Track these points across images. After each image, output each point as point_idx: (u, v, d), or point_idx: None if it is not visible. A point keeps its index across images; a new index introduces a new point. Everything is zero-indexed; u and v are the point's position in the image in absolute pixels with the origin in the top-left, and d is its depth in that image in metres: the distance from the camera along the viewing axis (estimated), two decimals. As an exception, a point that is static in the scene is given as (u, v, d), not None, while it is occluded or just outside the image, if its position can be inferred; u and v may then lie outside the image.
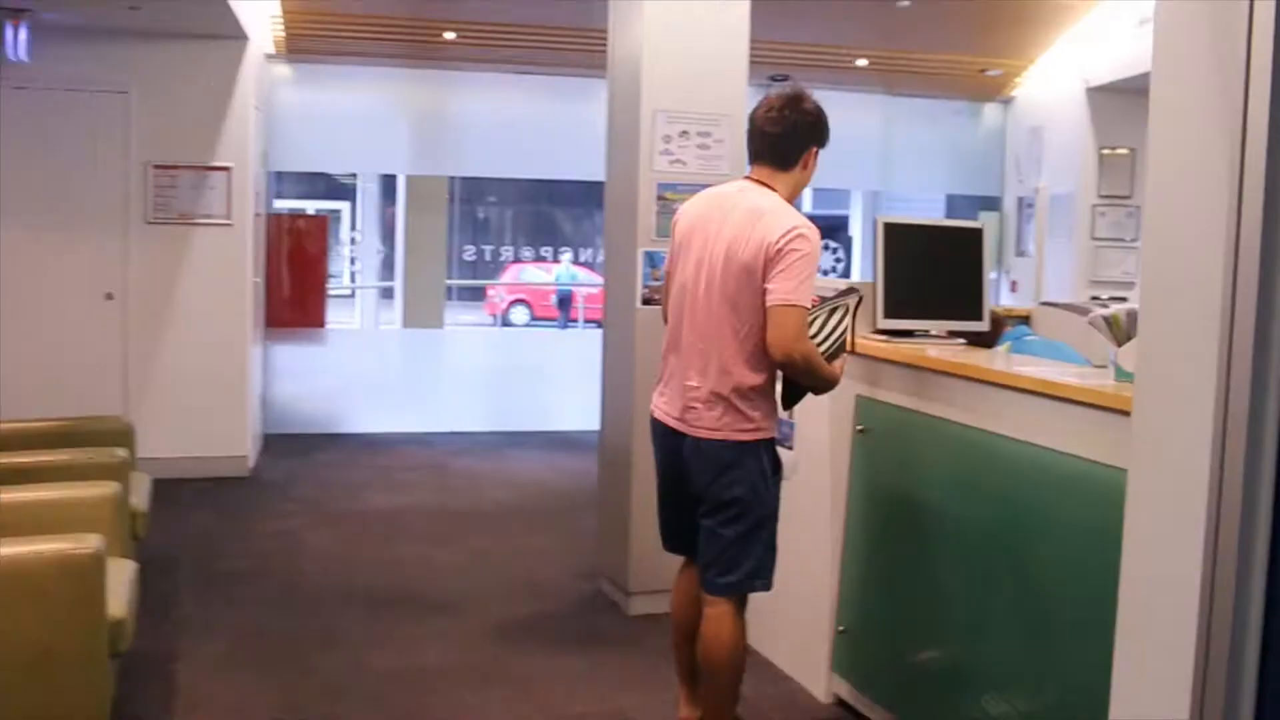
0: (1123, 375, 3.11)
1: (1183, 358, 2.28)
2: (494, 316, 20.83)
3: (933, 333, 4.16)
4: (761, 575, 3.67)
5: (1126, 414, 2.80)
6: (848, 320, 3.63)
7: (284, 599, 5.55)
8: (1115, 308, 3.18)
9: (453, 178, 10.75)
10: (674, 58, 5.20)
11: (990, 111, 10.52)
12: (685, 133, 5.20)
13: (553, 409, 10.16)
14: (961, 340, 4.15)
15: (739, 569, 3.63)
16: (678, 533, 3.87)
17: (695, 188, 5.12)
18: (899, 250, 4.04)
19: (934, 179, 11.39)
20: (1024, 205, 10.01)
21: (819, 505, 4.43)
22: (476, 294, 21.99)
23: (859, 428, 4.06)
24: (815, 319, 3.58)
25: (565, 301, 20.37)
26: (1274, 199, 1.99)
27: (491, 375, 10.28)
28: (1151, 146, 2.46)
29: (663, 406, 3.79)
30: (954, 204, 13.85)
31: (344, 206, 19.24)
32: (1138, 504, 2.48)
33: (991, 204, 10.77)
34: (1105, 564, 2.73)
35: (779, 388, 3.65)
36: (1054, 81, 9.50)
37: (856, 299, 3.66)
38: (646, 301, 5.22)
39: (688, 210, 3.80)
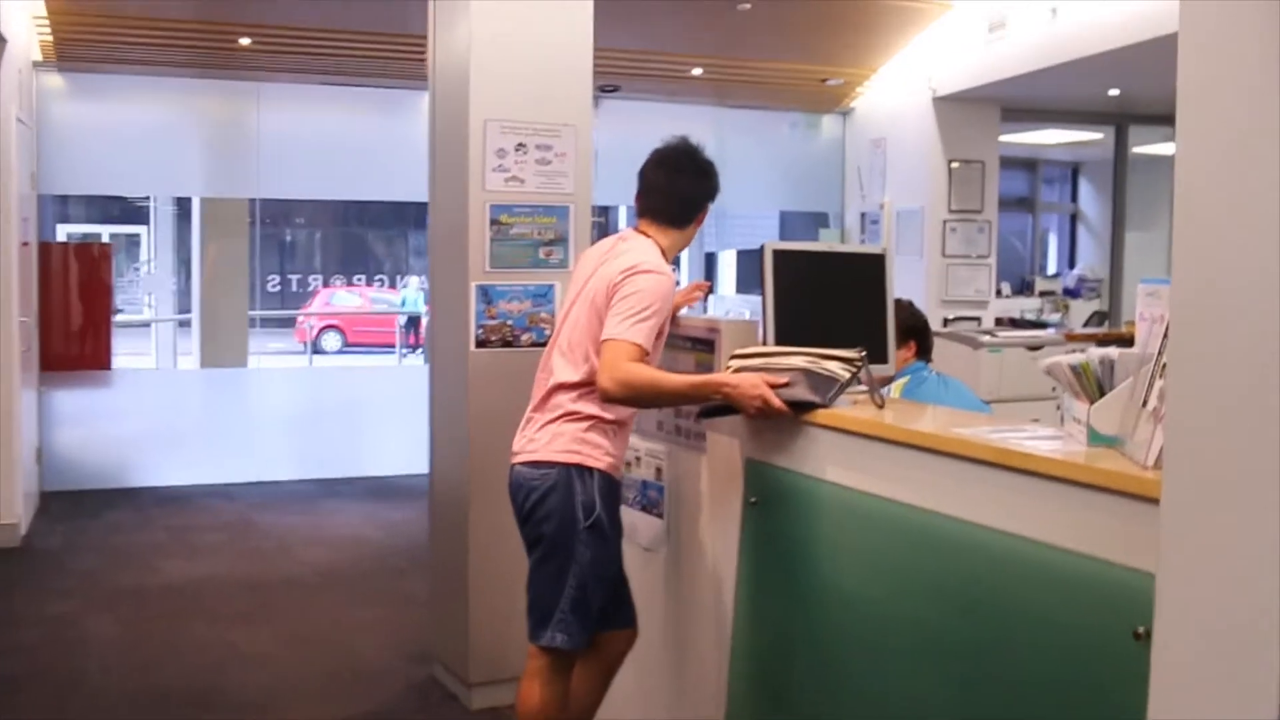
0: (1097, 438, 2.49)
1: (1245, 431, 1.68)
2: (304, 344, 19.70)
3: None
4: (563, 629, 3.38)
5: (1139, 499, 2.20)
6: (834, 367, 3.23)
7: (58, 708, 4.61)
8: (1088, 354, 2.56)
9: (253, 200, 9.74)
10: (506, 61, 4.46)
11: (829, 123, 10.05)
12: (522, 146, 4.46)
13: (371, 451, 9.29)
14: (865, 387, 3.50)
15: (550, 619, 3.38)
16: None
17: (536, 209, 4.45)
18: (789, 282, 3.37)
19: (767, 195, 10.87)
20: (867, 221, 9.55)
21: (699, 591, 3.74)
22: (288, 323, 20.80)
23: (750, 499, 3.37)
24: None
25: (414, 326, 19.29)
26: None
27: (302, 416, 9.36)
28: (1181, 131, 1.85)
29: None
30: (788, 221, 13.41)
31: (143, 231, 17.93)
32: (1170, 625, 1.86)
33: (827, 221, 10.32)
34: (1114, 700, 2.11)
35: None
36: (898, 91, 9.05)
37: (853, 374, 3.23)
38: (481, 343, 4.46)
39: (576, 264, 3.79)
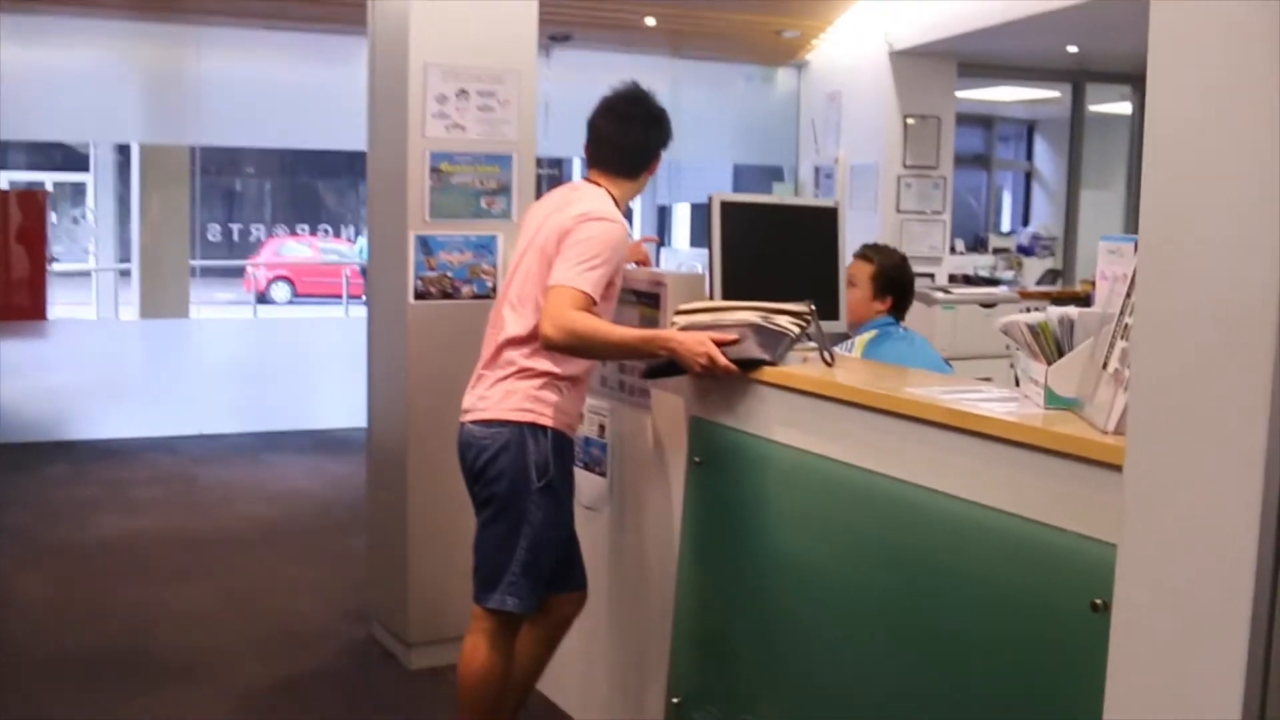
0: (1055, 401, 2.39)
1: (1214, 395, 1.59)
2: (254, 294, 19.43)
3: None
4: (513, 591, 3.26)
5: (1100, 465, 2.10)
6: (783, 321, 3.11)
7: (-25, 670, 4.46)
8: (1047, 313, 2.45)
9: (194, 147, 9.49)
10: (448, 3, 4.29)
11: (784, 76, 9.90)
12: (464, 92, 4.30)
13: (316, 404, 9.11)
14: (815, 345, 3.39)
15: (499, 581, 3.25)
16: None
17: (478, 158, 4.30)
18: (738, 235, 3.25)
19: (721, 147, 10.74)
20: (821, 175, 9.42)
21: (643, 552, 3.63)
22: (236, 273, 20.48)
23: (694, 458, 3.26)
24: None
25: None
26: None
27: (245, 368, 9.17)
28: (1153, 87, 1.74)
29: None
30: (742, 174, 13.26)
31: (87, 179, 17.55)
32: (1133, 597, 1.77)
33: (780, 175, 10.19)
34: (1069, 673, 2.02)
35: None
36: (854, 45, 8.90)
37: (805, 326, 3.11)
38: (420, 295, 4.32)
39: (524, 216, 3.59)
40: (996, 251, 10.10)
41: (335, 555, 5.93)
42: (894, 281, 4.15)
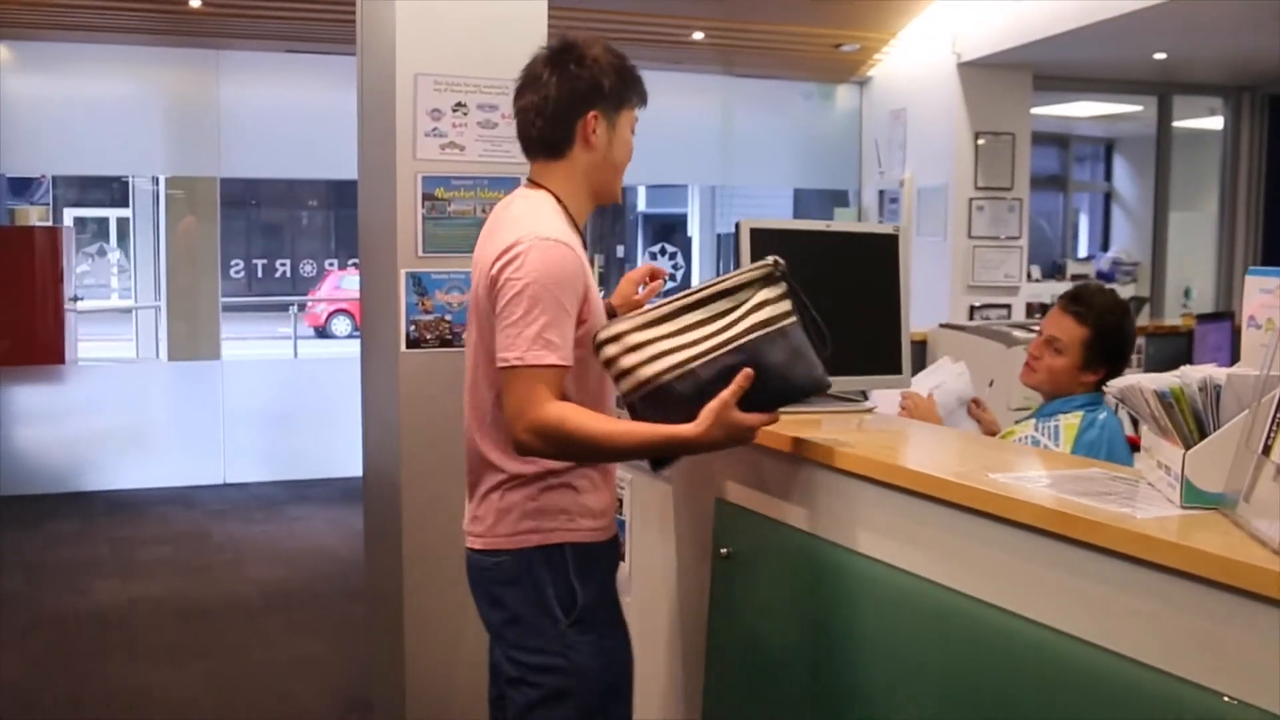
0: (1196, 498, 1.74)
1: None
2: (315, 329, 19.11)
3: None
4: None
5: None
6: (770, 312, 2.19)
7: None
8: (1182, 375, 1.80)
9: (219, 178, 8.99)
10: (441, 4, 3.70)
11: (844, 94, 9.28)
12: (461, 106, 3.70)
13: (347, 450, 8.54)
14: (871, 404, 2.74)
15: None
16: None
17: (480, 182, 3.71)
18: (774, 270, 2.62)
19: (780, 171, 10.13)
20: (886, 200, 8.78)
21: (664, 658, 3.00)
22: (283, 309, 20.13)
23: (720, 549, 2.62)
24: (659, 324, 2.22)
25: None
26: None
27: (276, 412, 8.65)
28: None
29: None
30: (802, 199, 12.63)
31: (128, 214, 17.32)
32: None
33: (845, 199, 9.56)
34: None
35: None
36: (919, 57, 8.25)
37: (775, 274, 2.23)
38: (414, 343, 3.72)
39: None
40: (1074, 278, 9.39)
41: (344, 626, 5.35)
42: (1115, 351, 3.15)
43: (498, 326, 2.26)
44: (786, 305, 2.19)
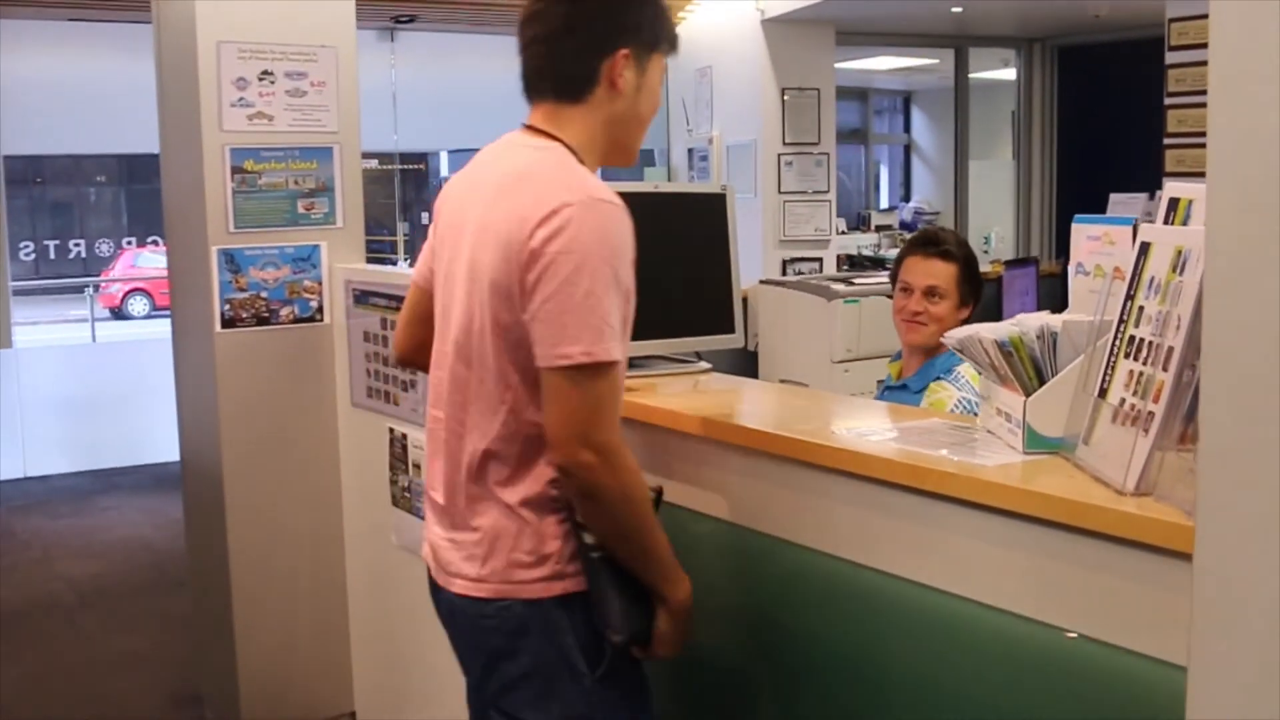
0: (1038, 443, 1.77)
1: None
2: (108, 309, 18.37)
3: (660, 354, 2.72)
4: None
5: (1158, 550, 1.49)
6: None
7: None
8: (1018, 323, 1.83)
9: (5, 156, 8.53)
10: (244, -34, 3.57)
11: (649, 53, 9.24)
12: (268, 74, 3.57)
13: (157, 435, 8.24)
14: (705, 364, 2.74)
15: None
16: None
17: (291, 153, 3.58)
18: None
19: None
20: (696, 158, 8.79)
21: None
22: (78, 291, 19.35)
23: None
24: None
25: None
26: None
27: (77, 398, 8.26)
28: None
29: (425, 535, 2.11)
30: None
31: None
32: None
33: (652, 159, 9.57)
34: None
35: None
36: (722, 15, 8.28)
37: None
38: (229, 322, 3.58)
39: (446, 191, 2.12)
40: (879, 229, 9.62)
41: (168, 621, 5.14)
42: (977, 278, 3.06)
43: (537, 311, 1.80)
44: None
